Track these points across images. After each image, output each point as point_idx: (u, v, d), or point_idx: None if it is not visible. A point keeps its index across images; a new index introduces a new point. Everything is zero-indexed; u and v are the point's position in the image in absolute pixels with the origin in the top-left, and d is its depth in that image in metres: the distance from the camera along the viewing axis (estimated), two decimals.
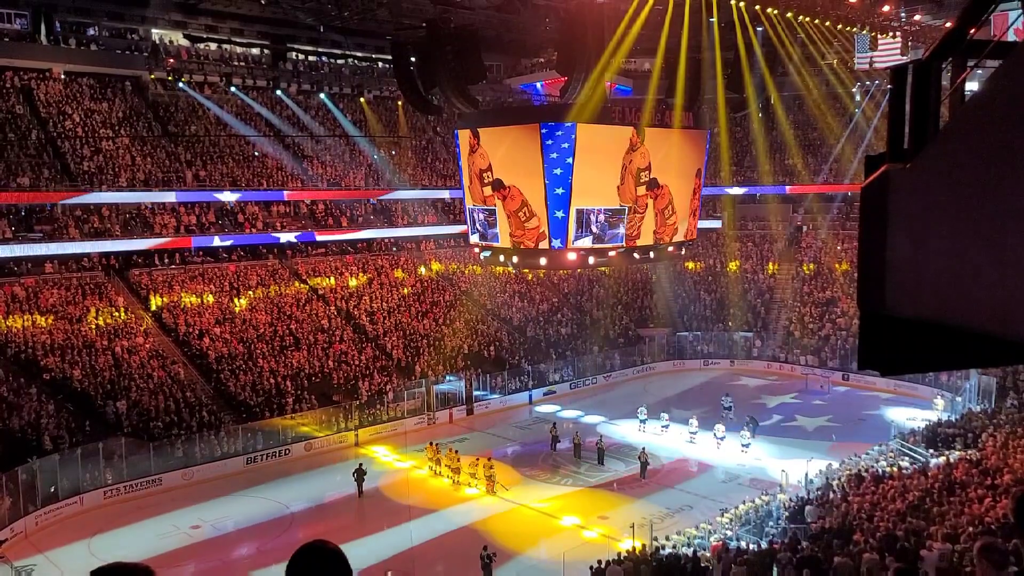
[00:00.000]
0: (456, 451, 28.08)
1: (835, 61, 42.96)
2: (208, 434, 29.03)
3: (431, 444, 29.05)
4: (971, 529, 15.13)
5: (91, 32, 39.08)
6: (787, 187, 49.65)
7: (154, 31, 39.73)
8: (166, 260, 37.11)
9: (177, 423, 29.12)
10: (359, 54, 45.54)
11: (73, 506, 25.22)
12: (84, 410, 28.48)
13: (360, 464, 27.37)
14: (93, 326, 32.03)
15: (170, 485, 27.22)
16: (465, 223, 31.65)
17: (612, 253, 28.00)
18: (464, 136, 28.12)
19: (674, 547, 19.31)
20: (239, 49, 42.54)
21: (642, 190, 27.82)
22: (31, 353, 29.68)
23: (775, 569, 16.00)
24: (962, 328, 2.34)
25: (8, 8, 35.61)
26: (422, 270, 44.55)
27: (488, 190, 27.18)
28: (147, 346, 32.27)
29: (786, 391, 38.85)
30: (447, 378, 36.50)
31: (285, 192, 40.16)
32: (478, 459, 27.25)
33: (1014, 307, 2.11)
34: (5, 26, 36.12)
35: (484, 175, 27.20)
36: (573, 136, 25.20)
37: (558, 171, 25.55)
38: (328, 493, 27.22)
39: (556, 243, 26.34)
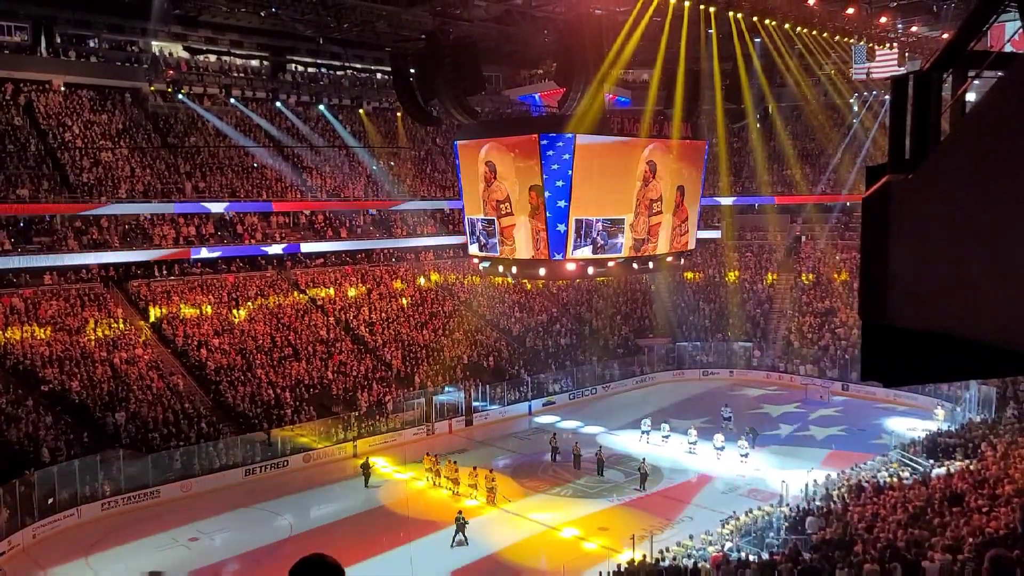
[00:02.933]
0: (455, 462, 28.02)
1: (833, 71, 43.16)
2: (207, 445, 28.93)
3: (428, 455, 28.97)
4: (972, 540, 15.09)
5: (91, 44, 39.20)
6: (785, 197, 49.73)
7: (154, 43, 39.85)
8: (165, 271, 37.09)
9: (176, 434, 29.03)
10: (358, 65, 45.69)
11: (71, 519, 25.07)
12: (82, 422, 28.38)
13: (367, 458, 29.22)
14: (92, 337, 31.97)
15: (168, 497, 27.09)
16: (464, 233, 31.70)
17: (611, 263, 28.09)
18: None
19: (674, 558, 19.22)
20: (238, 61, 42.68)
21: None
22: (29, 364, 29.62)
23: None
24: (964, 339, 2.34)
25: (8, 20, 35.74)
26: (421, 280, 44.55)
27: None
28: (146, 357, 32.21)
29: (786, 401, 38.79)
30: (446, 389, 36.44)
31: (273, 203, 40.11)
32: (475, 468, 27.17)
33: (1015, 318, 2.12)
34: (5, 38, 36.25)
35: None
36: (572, 147, 25.29)
37: (560, 183, 25.64)
38: (327, 504, 27.12)
39: (555, 254, 26.40)
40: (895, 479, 22.29)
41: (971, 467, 21.10)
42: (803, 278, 47.40)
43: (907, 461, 25.23)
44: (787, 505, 22.73)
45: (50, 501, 24.72)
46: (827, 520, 19.58)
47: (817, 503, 21.90)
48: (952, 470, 21.41)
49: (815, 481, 24.16)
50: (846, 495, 21.48)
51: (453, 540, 23.03)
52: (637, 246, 28.28)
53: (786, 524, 20.97)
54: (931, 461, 24.16)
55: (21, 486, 23.86)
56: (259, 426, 30.85)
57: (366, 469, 28.42)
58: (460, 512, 23.78)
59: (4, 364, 29.38)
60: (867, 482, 22.30)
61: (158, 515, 25.72)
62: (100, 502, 25.90)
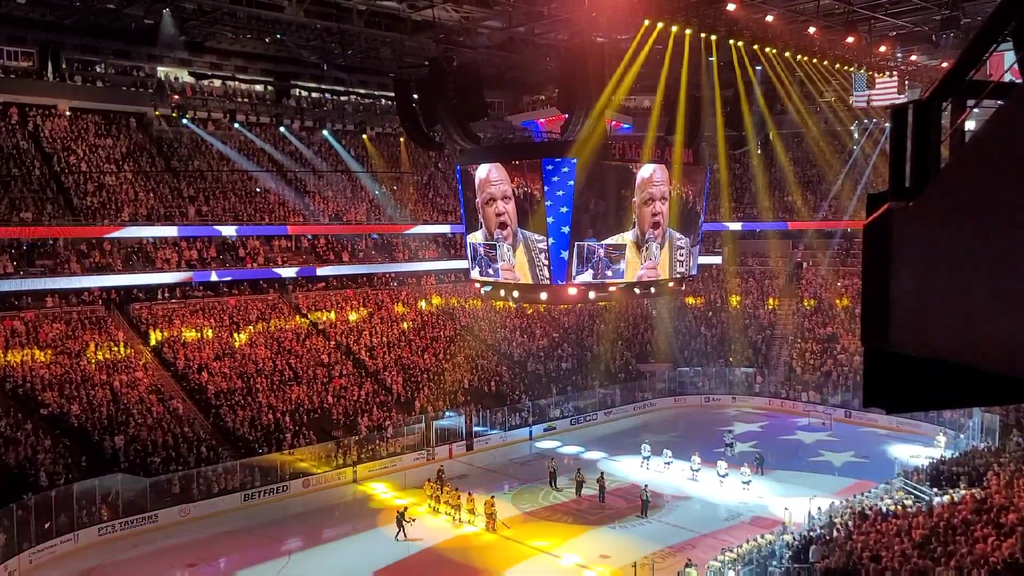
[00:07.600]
0: (457, 489, 27.79)
1: (833, 99, 43.49)
2: (206, 470, 28.73)
3: (429, 481, 28.75)
4: (976, 570, 14.93)
5: (98, 69, 39.56)
6: (787, 223, 49.87)
7: (160, 68, 40.25)
8: (166, 294, 37.12)
9: (175, 458, 28.87)
10: (362, 91, 46.13)
11: (68, 544, 24.83)
12: (82, 445, 28.24)
13: (441, 467, 30.48)
14: (92, 361, 31.91)
15: (166, 522, 26.88)
16: (466, 258, 31.77)
17: (612, 288, 28.10)
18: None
19: None
20: (243, 86, 43.06)
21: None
22: (29, 388, 29.55)
23: None
24: (966, 365, 2.33)
25: (16, 45, 36.13)
26: (422, 304, 44.54)
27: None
28: (146, 381, 32.12)
29: (789, 426, 38.59)
30: (447, 413, 36.27)
31: (287, 227, 40.35)
32: (471, 494, 26.94)
33: (1017, 344, 2.11)
34: (13, 63, 36.61)
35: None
36: (574, 172, 25.42)
37: (562, 208, 25.74)
38: (326, 530, 26.89)
39: (557, 279, 26.43)
40: (899, 507, 22.09)
41: (975, 495, 20.91)
42: (805, 303, 47.37)
43: (911, 489, 25.03)
44: (790, 533, 22.52)
45: (47, 526, 24.51)
46: (831, 549, 19.38)
47: (821, 531, 21.69)
48: (956, 498, 21.21)
49: (819, 509, 23.96)
50: (850, 523, 21.27)
51: (397, 535, 24.82)
52: (639, 271, 28.33)
53: (789, 552, 20.75)
54: (935, 489, 23.95)
55: (19, 510, 23.67)
56: (259, 450, 30.68)
57: (441, 473, 29.51)
58: (406, 508, 25.64)
59: (4, 387, 29.29)
60: (871, 510, 22.09)
61: (156, 540, 25.52)
62: (97, 527, 25.68)
